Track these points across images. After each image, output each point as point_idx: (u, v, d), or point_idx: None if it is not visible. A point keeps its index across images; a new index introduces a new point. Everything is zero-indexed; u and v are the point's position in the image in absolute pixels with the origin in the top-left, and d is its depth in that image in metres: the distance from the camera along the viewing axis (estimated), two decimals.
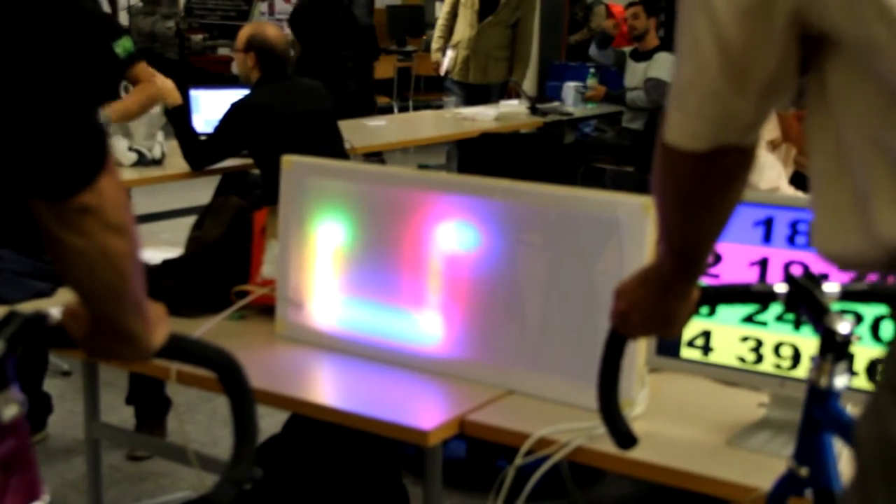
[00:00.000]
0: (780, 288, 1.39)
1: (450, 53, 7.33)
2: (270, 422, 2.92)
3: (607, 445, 1.61)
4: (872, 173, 0.94)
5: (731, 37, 0.97)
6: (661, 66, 6.25)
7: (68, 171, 1.02)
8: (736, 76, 1.00)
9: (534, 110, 6.67)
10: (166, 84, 4.09)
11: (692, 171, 1.11)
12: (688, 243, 1.25)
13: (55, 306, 1.22)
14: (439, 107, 7.32)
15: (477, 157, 5.75)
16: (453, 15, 7.36)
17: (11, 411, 1.14)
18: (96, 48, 3.52)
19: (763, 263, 1.88)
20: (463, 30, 7.25)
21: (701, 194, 1.15)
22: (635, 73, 6.57)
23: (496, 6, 7.19)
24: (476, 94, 7.25)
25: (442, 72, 7.39)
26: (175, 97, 4.15)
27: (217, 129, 4.19)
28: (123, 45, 3.62)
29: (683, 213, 1.19)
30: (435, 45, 7.46)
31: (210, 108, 4.71)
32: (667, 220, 1.23)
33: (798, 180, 3.15)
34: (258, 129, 4.10)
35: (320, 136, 4.23)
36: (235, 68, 4.50)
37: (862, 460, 0.96)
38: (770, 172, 2.97)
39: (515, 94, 7.31)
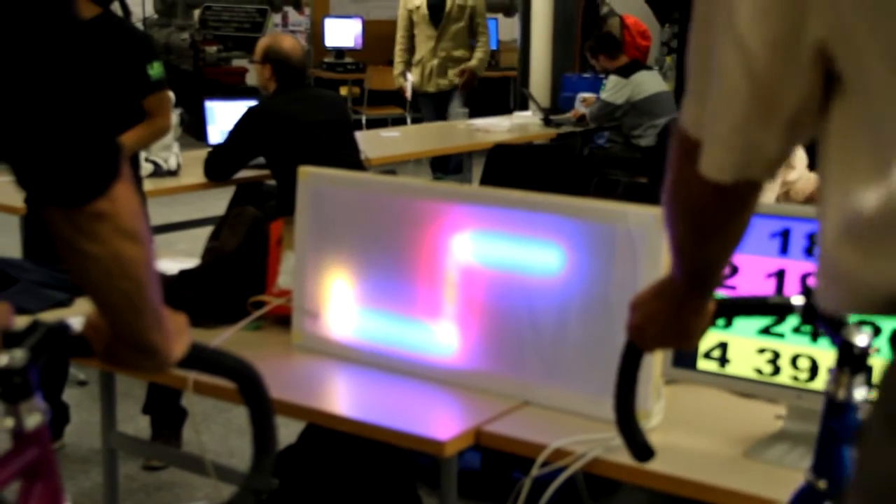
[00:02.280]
0: (798, 300, 1.39)
1: (411, 77, 7.34)
2: (286, 432, 2.92)
3: (623, 457, 1.61)
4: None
5: (760, 66, 0.95)
6: (606, 87, 6.60)
7: (84, 178, 1.03)
8: (764, 107, 0.98)
9: (547, 122, 6.68)
10: None
11: (711, 201, 1.10)
12: (701, 263, 1.25)
13: (75, 316, 1.23)
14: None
15: (490, 168, 5.76)
16: (409, 36, 7.37)
17: (35, 420, 1.15)
18: (131, 65, 3.54)
19: (780, 275, 1.88)
20: (425, 43, 7.28)
21: (716, 221, 1.15)
22: None
23: (443, 8, 7.24)
24: (442, 102, 7.28)
25: (409, 95, 7.40)
26: None
27: (230, 134, 4.22)
28: (156, 70, 3.63)
29: (696, 237, 1.19)
30: (396, 70, 7.45)
31: (225, 119, 4.74)
32: (679, 242, 1.22)
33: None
34: (271, 134, 4.12)
35: (337, 147, 4.25)
36: (254, 79, 4.53)
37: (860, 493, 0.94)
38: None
39: (465, 86, 7.29)
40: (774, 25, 0.94)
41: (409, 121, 9.56)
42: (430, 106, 7.35)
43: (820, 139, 1.00)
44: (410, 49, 7.39)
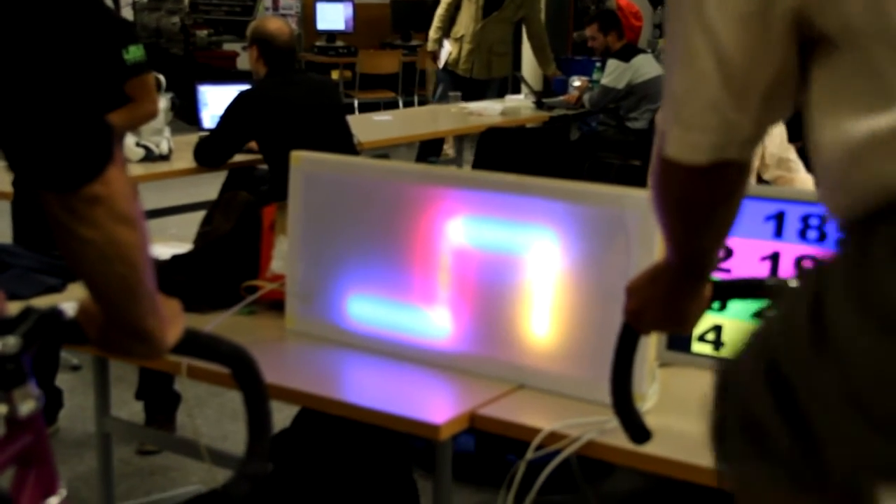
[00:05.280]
0: (793, 282, 1.38)
1: (447, 46, 7.30)
2: (280, 417, 2.93)
3: (618, 439, 1.61)
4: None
5: (729, 48, 0.96)
6: (607, 71, 6.54)
7: (78, 161, 1.03)
8: (736, 87, 0.98)
9: (539, 105, 6.67)
10: None
11: (692, 187, 1.09)
12: (694, 251, 1.25)
13: (68, 302, 1.22)
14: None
15: (483, 151, 5.75)
16: (455, 6, 7.33)
17: (29, 406, 1.15)
18: (106, 50, 3.50)
19: (774, 258, 1.89)
20: (467, 24, 7.23)
21: (701, 209, 1.14)
22: None
23: (501, 2, 7.19)
24: (472, 89, 7.24)
25: (440, 64, 7.35)
26: None
27: (221, 119, 4.20)
28: (133, 53, 3.59)
29: (685, 226, 1.19)
30: (433, 34, 7.41)
31: (217, 103, 4.72)
32: (670, 232, 1.22)
33: None
34: (263, 118, 4.11)
35: (329, 131, 4.24)
36: (246, 63, 4.52)
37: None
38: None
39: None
40: (742, 4, 0.94)
41: (401, 104, 9.54)
42: (448, 83, 7.30)
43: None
44: (450, 20, 7.35)
